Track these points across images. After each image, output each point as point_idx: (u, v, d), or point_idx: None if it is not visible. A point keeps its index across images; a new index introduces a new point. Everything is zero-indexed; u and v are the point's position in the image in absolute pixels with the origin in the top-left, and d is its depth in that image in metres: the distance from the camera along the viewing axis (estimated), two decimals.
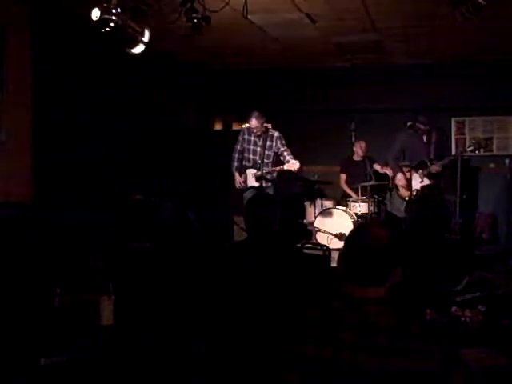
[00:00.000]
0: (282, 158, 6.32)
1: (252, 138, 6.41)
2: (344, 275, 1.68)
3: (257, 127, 6.27)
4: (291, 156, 6.23)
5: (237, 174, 6.47)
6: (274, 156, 6.38)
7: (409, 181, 6.13)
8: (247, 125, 6.55)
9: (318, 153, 7.90)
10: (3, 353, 2.52)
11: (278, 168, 6.29)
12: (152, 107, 7.34)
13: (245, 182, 6.46)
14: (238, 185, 6.46)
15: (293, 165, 6.08)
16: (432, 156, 6.06)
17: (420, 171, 6.06)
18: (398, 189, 6.31)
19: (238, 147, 6.52)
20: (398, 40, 6.64)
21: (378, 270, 1.65)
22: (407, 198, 6.08)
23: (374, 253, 1.65)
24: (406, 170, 6.21)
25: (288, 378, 1.62)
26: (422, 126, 6.08)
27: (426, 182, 6.03)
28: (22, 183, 4.97)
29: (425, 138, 6.16)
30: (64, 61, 5.59)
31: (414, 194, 6.04)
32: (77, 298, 3.14)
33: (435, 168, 5.98)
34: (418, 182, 6.08)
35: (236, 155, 6.52)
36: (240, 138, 6.52)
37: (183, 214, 6.36)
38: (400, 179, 6.20)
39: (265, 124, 6.39)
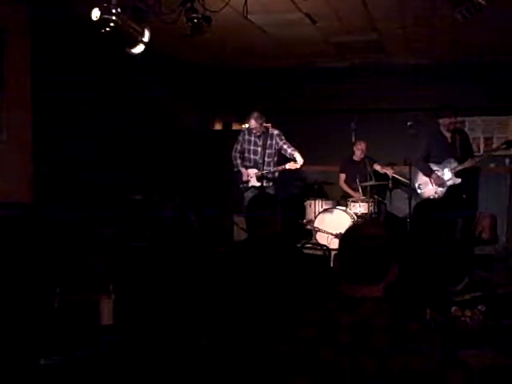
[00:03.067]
0: (284, 153, 6.31)
1: (252, 138, 6.42)
2: (340, 275, 1.69)
3: (256, 127, 6.27)
4: (292, 148, 6.23)
5: (243, 169, 6.46)
6: (275, 154, 6.38)
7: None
8: (247, 125, 6.55)
9: (318, 153, 7.88)
10: (3, 353, 2.52)
11: (279, 168, 6.29)
12: (152, 107, 7.34)
13: (248, 177, 6.45)
14: (245, 178, 6.44)
15: (295, 164, 6.09)
16: (459, 155, 6.02)
17: (446, 170, 6.04)
18: (420, 189, 6.29)
19: (238, 147, 6.51)
20: (398, 40, 6.64)
21: (373, 269, 1.65)
22: (431, 197, 6.08)
23: (369, 251, 1.65)
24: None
25: (288, 379, 1.62)
26: (447, 121, 6.03)
27: (455, 180, 6.00)
28: (22, 183, 4.97)
29: (449, 138, 6.11)
30: (64, 61, 5.59)
31: (440, 193, 6.04)
32: (77, 298, 3.14)
33: (471, 163, 5.95)
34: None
35: (237, 154, 6.52)
36: (240, 139, 6.52)
37: (183, 214, 6.36)
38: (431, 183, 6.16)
39: (264, 124, 6.39)
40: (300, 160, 6.09)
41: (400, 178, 7.22)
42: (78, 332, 2.78)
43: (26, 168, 5.07)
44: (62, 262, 4.08)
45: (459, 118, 6.12)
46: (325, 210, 6.74)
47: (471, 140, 6.64)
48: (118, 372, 2.54)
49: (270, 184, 6.38)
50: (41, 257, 4.07)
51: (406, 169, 6.85)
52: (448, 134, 6.11)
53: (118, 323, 2.88)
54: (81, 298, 3.13)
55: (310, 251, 5.35)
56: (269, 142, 6.32)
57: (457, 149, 6.05)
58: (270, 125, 6.86)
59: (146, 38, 4.45)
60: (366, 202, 6.71)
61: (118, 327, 2.86)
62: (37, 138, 5.16)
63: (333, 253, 5.07)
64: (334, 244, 6.18)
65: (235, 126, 8.89)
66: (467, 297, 2.87)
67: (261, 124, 6.27)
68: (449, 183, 6.02)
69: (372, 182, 6.77)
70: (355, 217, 6.57)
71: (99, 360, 2.54)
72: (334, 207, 6.82)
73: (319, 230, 6.59)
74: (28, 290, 3.52)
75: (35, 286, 3.60)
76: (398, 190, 7.65)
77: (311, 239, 6.59)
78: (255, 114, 6.26)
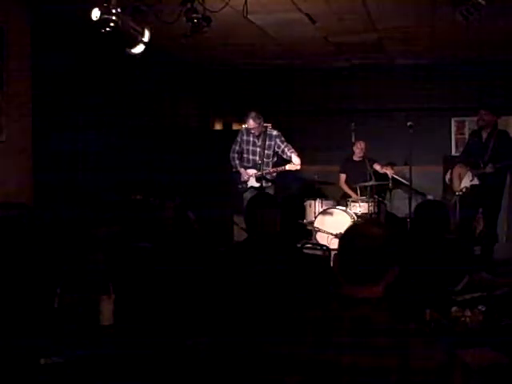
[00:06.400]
0: (284, 156, 6.31)
1: (251, 139, 6.40)
2: (340, 275, 1.69)
3: (254, 127, 6.26)
4: (292, 150, 6.22)
5: (242, 169, 6.45)
6: (273, 155, 6.38)
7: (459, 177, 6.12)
8: (245, 125, 6.55)
9: (318, 153, 7.90)
10: (3, 353, 2.52)
11: (279, 169, 6.28)
12: (152, 107, 7.34)
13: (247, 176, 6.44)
14: (245, 177, 6.42)
15: (294, 166, 6.08)
16: (487, 157, 5.91)
17: (474, 171, 5.98)
18: (452, 182, 6.30)
19: (237, 147, 6.50)
20: (398, 40, 6.64)
21: (372, 269, 1.65)
22: (457, 193, 6.08)
23: (368, 251, 1.65)
24: (463, 165, 6.14)
25: (288, 380, 1.62)
26: (478, 117, 5.97)
27: (475, 182, 5.96)
28: (21, 183, 4.97)
29: (484, 135, 6.02)
30: (64, 61, 5.59)
31: (464, 190, 6.02)
32: (77, 298, 3.14)
33: (488, 169, 5.86)
34: (468, 180, 6.03)
35: (235, 155, 6.51)
36: (238, 139, 6.50)
37: (183, 214, 6.35)
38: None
39: (264, 124, 6.38)
40: (296, 161, 6.08)
41: (400, 178, 7.23)
42: (78, 332, 2.78)
43: (26, 168, 5.07)
44: (62, 262, 4.08)
45: (484, 117, 5.99)
46: (325, 210, 6.74)
47: None
48: (118, 372, 2.54)
49: (269, 184, 6.37)
50: (41, 257, 4.07)
51: (406, 169, 6.86)
52: (484, 134, 6.03)
53: (117, 323, 2.87)
54: (81, 298, 3.13)
55: (310, 251, 5.35)
56: (268, 143, 6.31)
57: (488, 150, 5.94)
58: (269, 125, 6.85)
59: (145, 38, 4.45)
60: (366, 202, 6.72)
61: (118, 327, 2.86)
62: (37, 138, 5.16)
63: (333, 253, 5.06)
64: (334, 244, 6.17)
65: (235, 126, 8.90)
66: (467, 297, 2.86)
67: (259, 124, 6.25)
68: (471, 183, 5.99)
69: (372, 182, 6.78)
70: (355, 217, 6.57)
71: (99, 360, 2.54)
72: (333, 207, 6.83)
73: (319, 230, 6.59)
74: (28, 290, 3.52)
75: (35, 285, 3.60)
76: (398, 190, 7.66)
77: (311, 239, 6.59)
78: (253, 114, 6.25)
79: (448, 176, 6.36)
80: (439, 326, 2.58)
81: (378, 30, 6.17)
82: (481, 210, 6.19)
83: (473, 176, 5.99)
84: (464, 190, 6.03)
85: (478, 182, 5.95)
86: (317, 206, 6.87)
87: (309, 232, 6.78)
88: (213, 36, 5.21)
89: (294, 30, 6.11)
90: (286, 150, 6.26)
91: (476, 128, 6.17)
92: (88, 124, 6.04)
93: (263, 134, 6.31)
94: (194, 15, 4.44)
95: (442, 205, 4.09)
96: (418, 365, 1.50)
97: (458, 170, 6.20)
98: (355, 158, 7.31)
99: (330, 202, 7.02)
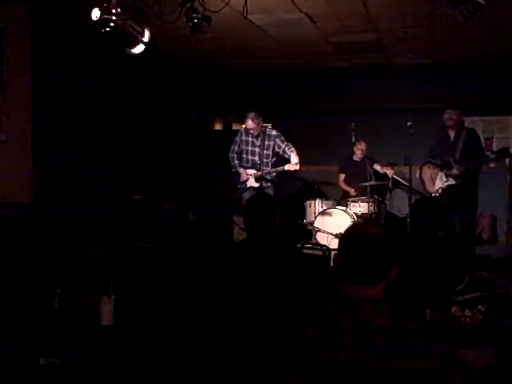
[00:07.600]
0: (286, 156, 6.30)
1: (250, 139, 6.40)
2: (340, 275, 1.69)
3: (253, 128, 6.25)
4: (292, 149, 6.21)
5: (241, 169, 6.45)
6: (273, 155, 6.37)
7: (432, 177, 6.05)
8: (244, 126, 6.55)
9: (318, 153, 7.89)
10: (3, 353, 2.52)
11: (278, 169, 6.28)
12: (152, 107, 7.34)
13: (247, 177, 6.43)
14: (244, 177, 6.42)
15: (293, 166, 6.08)
16: (458, 156, 5.85)
17: (445, 171, 5.91)
18: (424, 183, 6.23)
19: (235, 148, 6.50)
20: (398, 40, 6.64)
21: (372, 269, 1.65)
22: (433, 195, 6.02)
23: (368, 251, 1.65)
24: (432, 166, 6.06)
25: (288, 380, 1.62)
26: (446, 117, 5.90)
27: (452, 181, 5.88)
28: (22, 183, 4.97)
29: (452, 135, 5.96)
30: (64, 61, 5.59)
31: (440, 191, 5.94)
32: (77, 298, 3.14)
33: (454, 172, 5.80)
34: (443, 180, 5.95)
35: (234, 155, 6.51)
36: (237, 139, 6.49)
37: (183, 214, 6.36)
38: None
39: (263, 124, 6.37)
40: (295, 161, 6.07)
41: (400, 179, 7.23)
42: (78, 332, 2.78)
43: (26, 168, 5.07)
44: (62, 262, 4.08)
45: (453, 116, 5.95)
46: (324, 210, 6.74)
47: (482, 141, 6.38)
48: (118, 372, 2.54)
49: (269, 184, 6.36)
50: (41, 257, 4.07)
51: (406, 169, 6.85)
52: (452, 134, 6.00)
53: (118, 323, 2.87)
54: (81, 298, 3.13)
55: (310, 251, 5.35)
56: (267, 143, 6.30)
57: (458, 149, 5.90)
58: (269, 125, 6.85)
59: (145, 38, 4.45)
60: (366, 201, 6.71)
61: (118, 327, 2.86)
62: (37, 138, 5.16)
63: (333, 253, 5.06)
64: (334, 244, 6.17)
65: (235, 126, 8.89)
66: (467, 297, 2.86)
67: (257, 124, 6.24)
68: (447, 183, 5.95)
69: (372, 182, 6.77)
70: (355, 217, 6.57)
71: (99, 360, 2.54)
72: (333, 207, 6.82)
73: (319, 230, 6.59)
74: (28, 290, 3.52)
75: (35, 285, 3.61)
76: (398, 190, 7.65)
77: (311, 239, 6.59)
78: (252, 114, 6.23)
79: (418, 175, 6.29)
80: (439, 326, 2.58)
81: (378, 30, 6.17)
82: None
83: (446, 176, 5.95)
84: (440, 191, 5.96)
85: (454, 182, 5.89)
86: (317, 206, 6.87)
87: (309, 232, 6.78)
88: (213, 36, 5.21)
89: (294, 30, 6.11)
90: (286, 149, 6.26)
91: (445, 126, 6.07)
92: (88, 124, 6.04)
93: (262, 134, 6.30)
94: (194, 15, 4.44)
95: (439, 202, 4.10)
96: (418, 365, 1.50)
97: (427, 171, 6.12)
98: (355, 158, 7.31)
99: (330, 202, 7.01)
